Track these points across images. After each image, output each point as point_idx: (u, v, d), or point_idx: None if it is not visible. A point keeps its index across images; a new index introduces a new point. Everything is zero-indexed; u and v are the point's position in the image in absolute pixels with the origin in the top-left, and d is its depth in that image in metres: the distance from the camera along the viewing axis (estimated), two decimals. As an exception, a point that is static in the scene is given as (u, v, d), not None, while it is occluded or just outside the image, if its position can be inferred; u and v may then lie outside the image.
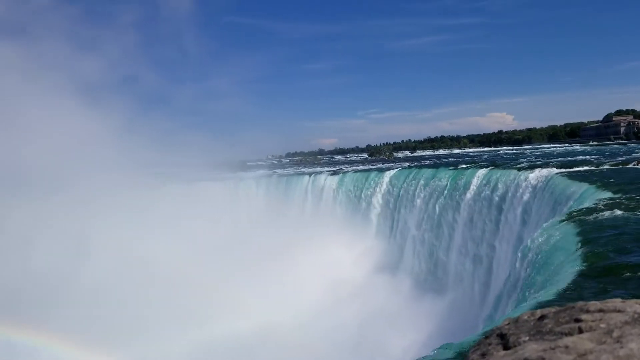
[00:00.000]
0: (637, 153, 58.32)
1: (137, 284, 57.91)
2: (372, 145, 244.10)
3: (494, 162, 54.79)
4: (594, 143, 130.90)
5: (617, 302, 2.52)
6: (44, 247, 60.18)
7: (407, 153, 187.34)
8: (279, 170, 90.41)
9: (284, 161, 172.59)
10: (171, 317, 53.61)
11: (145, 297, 56.30)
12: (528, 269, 16.77)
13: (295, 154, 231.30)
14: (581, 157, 60.00)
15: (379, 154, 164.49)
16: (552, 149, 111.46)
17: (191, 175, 79.94)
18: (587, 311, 2.45)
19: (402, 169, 63.12)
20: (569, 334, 2.27)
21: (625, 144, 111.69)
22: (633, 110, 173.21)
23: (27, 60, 74.68)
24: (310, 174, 73.65)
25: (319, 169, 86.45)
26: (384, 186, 60.86)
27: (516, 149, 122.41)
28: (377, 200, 61.24)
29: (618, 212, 19.24)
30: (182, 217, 63.75)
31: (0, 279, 56.94)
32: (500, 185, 41.38)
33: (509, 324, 2.62)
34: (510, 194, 38.90)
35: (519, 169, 41.78)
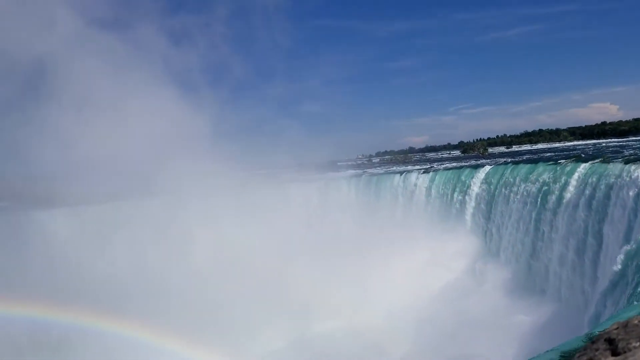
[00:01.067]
0: None
1: (234, 281, 60.35)
2: (465, 141, 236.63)
3: (598, 156, 50.98)
4: None
5: None
6: (151, 244, 64.13)
7: (502, 148, 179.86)
8: (369, 170, 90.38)
9: (374, 160, 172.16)
10: (265, 314, 55.44)
11: (241, 294, 58.58)
12: (637, 271, 15.59)
13: (385, 152, 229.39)
14: (700, 149, 54.61)
15: (473, 151, 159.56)
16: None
17: (283, 176, 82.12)
18: None
19: (497, 165, 60.74)
20: (686, 340, 2.13)
21: None
22: None
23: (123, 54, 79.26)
24: (400, 173, 72.95)
25: (409, 167, 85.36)
26: (478, 184, 58.92)
27: (622, 141, 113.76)
28: (471, 198, 59.42)
29: None
30: (275, 216, 65.49)
31: (111, 276, 61.69)
32: (605, 181, 38.56)
33: (617, 328, 2.50)
34: (616, 190, 36.12)
35: (626, 162, 38.65)
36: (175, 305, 59.48)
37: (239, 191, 69.75)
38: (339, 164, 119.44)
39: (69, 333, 62.89)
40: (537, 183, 48.87)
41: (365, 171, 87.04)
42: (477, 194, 58.75)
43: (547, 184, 47.08)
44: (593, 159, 46.30)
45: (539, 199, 47.49)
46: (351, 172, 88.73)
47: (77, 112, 75.59)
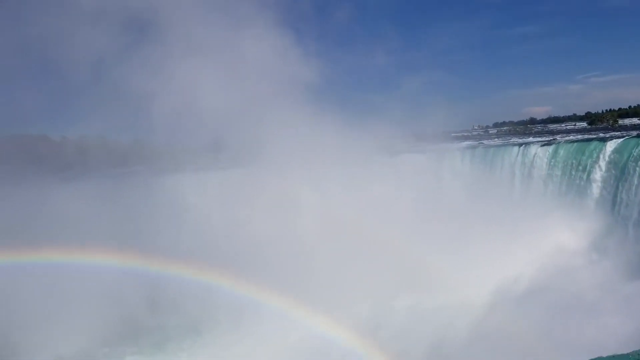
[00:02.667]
0: None
1: (340, 248, 61.87)
2: (593, 112, 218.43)
3: None
4: None
5: None
6: (263, 208, 66.96)
7: (635, 120, 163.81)
8: (485, 141, 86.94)
9: (491, 131, 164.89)
10: (370, 282, 56.33)
11: (347, 261, 59.93)
12: None
13: (503, 123, 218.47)
14: None
15: (601, 122, 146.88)
16: None
17: (394, 146, 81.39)
18: None
19: (629, 138, 55.71)
20: None
21: None
22: None
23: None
24: (520, 145, 69.42)
25: (530, 139, 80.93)
26: (607, 158, 54.58)
27: None
28: (598, 174, 55.29)
29: None
30: (385, 187, 65.50)
31: (229, 238, 65.71)
32: None
33: None
34: None
35: None
36: (281, 267, 62.32)
37: (348, 161, 70.45)
38: (453, 134, 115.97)
39: (188, 288, 68.59)
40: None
41: (481, 142, 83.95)
42: (604, 169, 54.53)
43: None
44: None
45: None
46: (466, 143, 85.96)
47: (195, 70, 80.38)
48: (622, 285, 44.30)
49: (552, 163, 61.90)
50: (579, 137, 72.22)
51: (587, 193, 55.60)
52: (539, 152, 64.17)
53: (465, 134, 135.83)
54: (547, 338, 37.51)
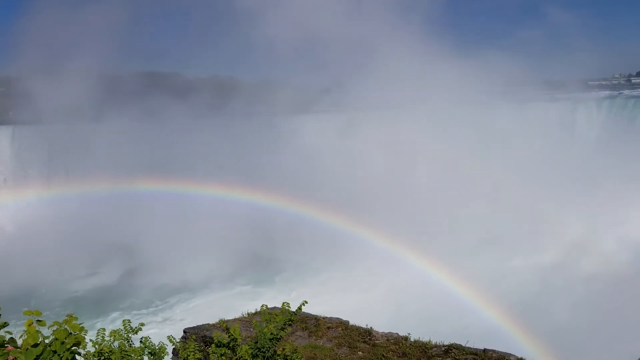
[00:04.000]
0: None
1: (461, 196, 61.12)
2: None
3: None
4: None
5: None
6: (382, 149, 67.30)
7: None
8: (626, 92, 79.67)
9: (633, 81, 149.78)
10: (492, 236, 55.54)
11: (467, 210, 59.27)
12: None
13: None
14: None
15: None
16: None
17: (524, 94, 77.29)
18: None
19: None
20: None
21: None
22: None
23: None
24: (668, 98, 63.00)
25: (680, 91, 72.97)
26: None
27: None
28: None
29: None
30: (513, 138, 63.06)
31: (346, 178, 67.34)
32: None
33: None
34: None
35: None
36: (398, 210, 63.14)
37: (474, 109, 68.32)
38: (590, 83, 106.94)
39: (307, 226, 71.92)
40: None
41: (621, 92, 77.03)
42: None
43: None
44: None
45: None
46: (604, 93, 79.29)
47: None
48: None
49: None
50: None
51: None
52: (690, 105, 58.06)
53: (604, 82, 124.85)
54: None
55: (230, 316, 14.21)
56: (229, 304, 58.85)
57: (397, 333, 14.99)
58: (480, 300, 44.65)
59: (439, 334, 15.02)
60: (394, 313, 43.26)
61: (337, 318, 15.94)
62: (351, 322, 15.78)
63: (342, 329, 15.22)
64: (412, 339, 14.65)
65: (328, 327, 15.23)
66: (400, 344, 14.31)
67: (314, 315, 15.79)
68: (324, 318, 15.83)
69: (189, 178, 72.90)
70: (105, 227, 72.31)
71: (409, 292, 50.15)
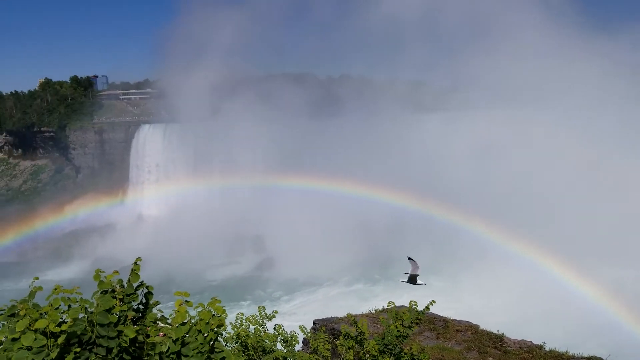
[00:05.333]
0: None
1: (594, 200, 56.38)
2: None
3: None
4: None
5: None
6: (517, 157, 63.95)
7: None
8: None
9: None
10: (623, 243, 50.59)
11: (598, 215, 54.52)
12: None
13: None
14: None
15: None
16: None
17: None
18: None
19: None
20: None
21: None
22: None
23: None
24: None
25: None
26: None
27: None
28: None
29: None
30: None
31: (469, 178, 64.87)
32: None
33: None
34: None
35: None
36: (526, 210, 59.60)
37: (627, 105, 62.36)
38: None
39: (433, 225, 70.43)
40: None
41: None
42: None
43: None
44: None
45: None
46: None
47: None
48: None
49: None
50: None
51: None
52: None
53: None
54: None
55: (356, 311, 14.43)
56: (354, 299, 59.69)
57: (530, 341, 14.23)
58: (624, 312, 40.90)
59: (575, 345, 14.03)
60: (526, 318, 41.13)
61: (467, 321, 15.46)
62: (481, 327, 15.22)
63: (472, 333, 14.74)
64: (547, 348, 13.82)
65: (457, 330, 14.84)
66: (534, 353, 13.56)
67: (442, 316, 15.47)
68: (452, 320, 15.45)
69: (321, 175, 75.06)
70: (243, 220, 77.04)
71: (543, 298, 47.38)
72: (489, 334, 14.59)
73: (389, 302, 10.62)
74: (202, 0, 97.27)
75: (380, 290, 62.12)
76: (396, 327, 8.88)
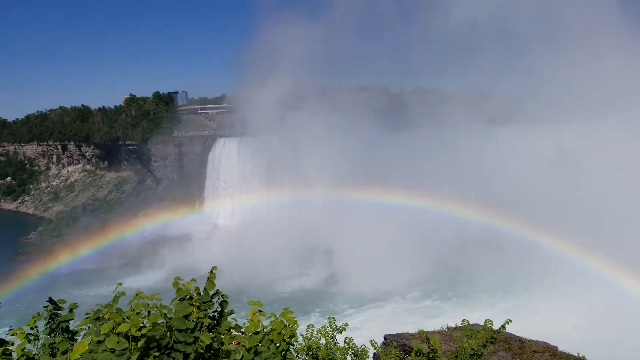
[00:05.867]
0: None
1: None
2: None
3: None
4: None
5: None
6: (596, 169, 60.74)
7: None
8: None
9: None
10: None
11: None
12: None
13: None
14: None
15: None
16: None
17: None
18: None
19: None
20: None
21: None
22: None
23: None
24: None
25: None
26: None
27: None
28: None
29: None
30: None
31: (553, 197, 62.18)
32: None
33: None
34: None
35: None
36: (603, 227, 56.13)
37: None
38: None
39: (505, 239, 67.90)
40: None
41: None
42: None
43: None
44: None
45: None
46: None
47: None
48: None
49: None
50: None
51: None
52: None
53: None
54: None
55: (426, 328, 14.13)
56: (423, 315, 58.51)
57: (616, 365, 13.28)
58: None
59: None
60: (607, 340, 38.65)
61: (544, 342, 14.71)
62: (560, 348, 14.43)
63: (550, 355, 14.01)
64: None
65: (534, 351, 14.15)
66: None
67: (518, 336, 14.82)
68: (529, 340, 14.75)
69: (391, 188, 74.50)
70: (313, 232, 77.61)
71: (626, 319, 44.28)
72: (568, 357, 13.80)
73: (463, 320, 10.33)
74: (278, 15, 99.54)
75: (450, 307, 60.58)
76: (470, 345, 8.63)
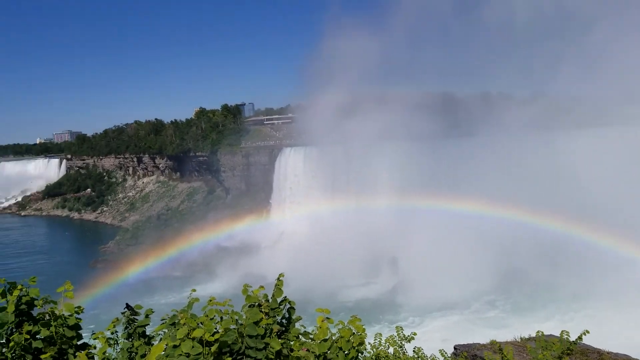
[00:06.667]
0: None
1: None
2: None
3: None
4: None
5: None
6: None
7: None
8: None
9: None
10: None
11: None
12: None
13: None
14: None
15: None
16: None
17: None
18: None
19: None
20: None
21: None
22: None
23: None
24: None
25: None
26: None
27: None
28: None
29: None
30: None
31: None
32: None
33: None
34: None
35: None
36: None
37: None
38: None
39: (582, 249, 64.46)
40: None
41: None
42: None
43: None
44: None
45: None
46: None
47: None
48: None
49: None
50: None
51: None
52: None
53: None
54: None
55: (497, 338, 13.65)
56: (493, 326, 56.58)
57: None
58: None
59: None
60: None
61: (625, 355, 13.83)
62: (643, 362, 13.48)
63: (632, 369, 13.13)
64: None
65: (614, 365, 13.32)
66: None
67: (596, 348, 14.03)
68: (608, 353, 13.92)
69: (459, 196, 72.70)
70: (378, 241, 76.90)
71: None
72: (652, 371, 12.88)
73: (537, 331, 9.96)
74: (341, 25, 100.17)
75: (521, 317, 58.39)
76: (545, 357, 8.32)
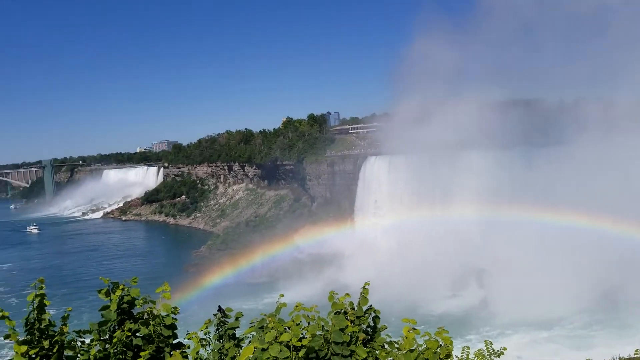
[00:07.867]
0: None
1: None
2: None
3: None
4: None
5: None
6: None
7: None
8: None
9: None
10: None
11: None
12: None
13: None
14: None
15: None
16: None
17: None
18: None
19: None
20: None
21: None
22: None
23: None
24: None
25: None
26: None
27: None
28: None
29: None
30: None
31: None
32: None
33: None
34: None
35: None
36: None
37: None
38: None
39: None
40: None
41: None
42: None
43: None
44: None
45: None
46: None
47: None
48: None
49: None
50: None
51: None
52: None
53: None
54: None
55: (594, 357, 12.80)
56: (583, 344, 53.36)
57: None
58: None
59: None
60: None
61: None
62: None
63: None
64: None
65: None
66: None
67: None
68: None
69: (549, 207, 69.12)
70: (465, 252, 74.52)
71: None
72: None
73: (636, 350, 9.26)
74: (430, 30, 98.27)
75: (618, 336, 54.44)
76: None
